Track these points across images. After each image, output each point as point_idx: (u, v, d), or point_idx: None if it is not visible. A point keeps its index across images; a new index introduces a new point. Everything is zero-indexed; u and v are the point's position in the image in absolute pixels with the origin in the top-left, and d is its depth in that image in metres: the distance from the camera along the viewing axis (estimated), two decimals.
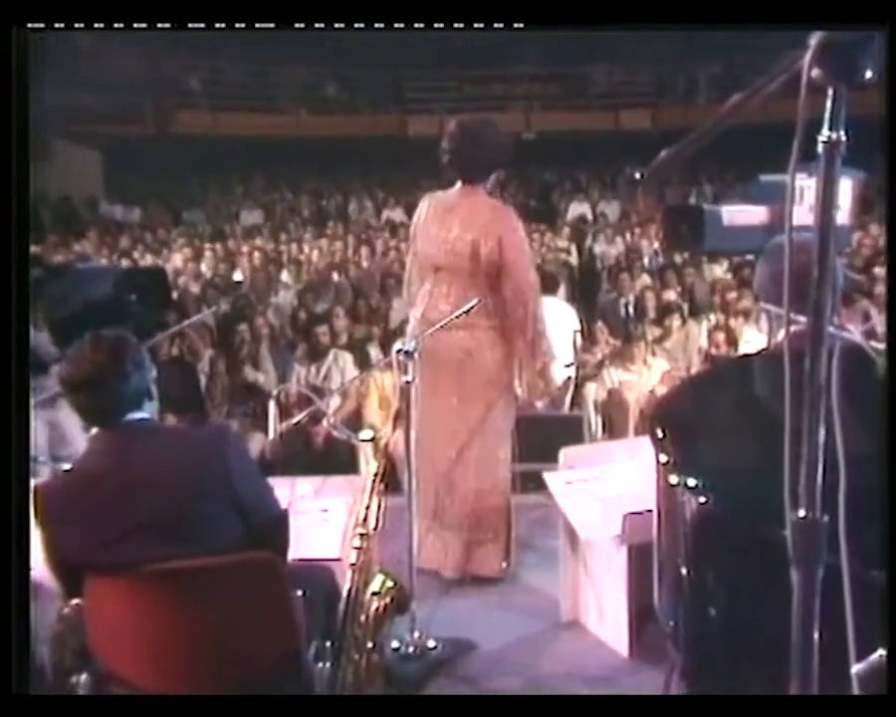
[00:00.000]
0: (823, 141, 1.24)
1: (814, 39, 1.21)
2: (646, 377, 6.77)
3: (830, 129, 1.23)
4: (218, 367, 7.16)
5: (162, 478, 2.37)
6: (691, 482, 2.11)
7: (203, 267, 11.88)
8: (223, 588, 2.35)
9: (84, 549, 2.33)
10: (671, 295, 8.31)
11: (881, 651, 1.55)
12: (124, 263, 11.59)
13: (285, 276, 11.13)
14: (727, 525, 2.06)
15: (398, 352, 3.44)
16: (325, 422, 4.28)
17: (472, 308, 3.73)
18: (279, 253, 12.87)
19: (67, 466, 2.53)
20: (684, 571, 2.17)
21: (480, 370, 4.09)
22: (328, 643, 2.65)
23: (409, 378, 3.43)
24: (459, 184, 4.19)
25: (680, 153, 1.30)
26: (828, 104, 1.23)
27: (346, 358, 6.96)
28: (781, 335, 2.58)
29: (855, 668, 1.55)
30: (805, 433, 1.27)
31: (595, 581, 3.62)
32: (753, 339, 6.64)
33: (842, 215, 5.49)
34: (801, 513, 1.28)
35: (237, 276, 11.21)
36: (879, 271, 7.50)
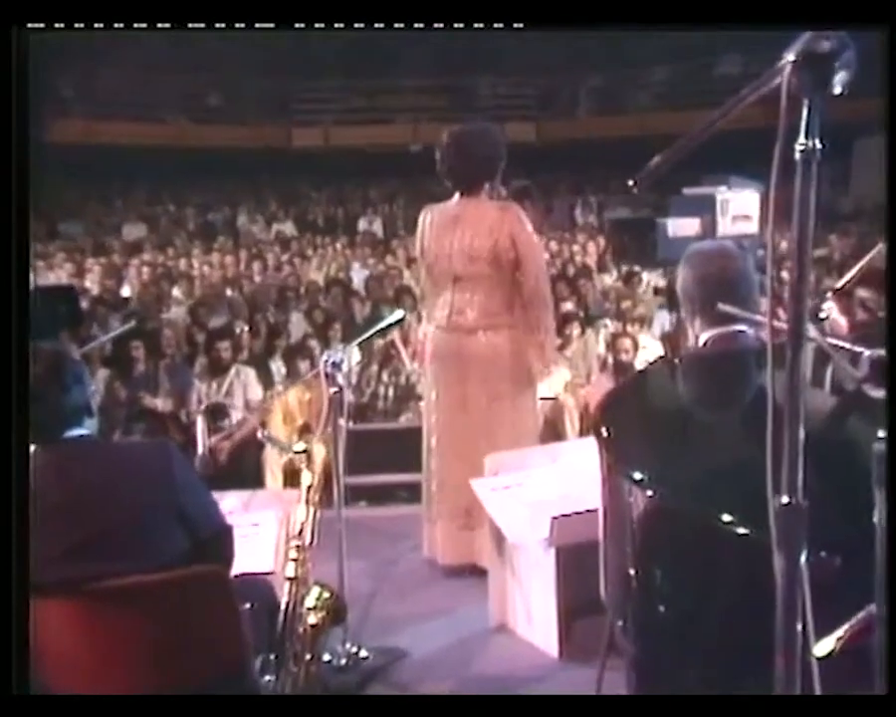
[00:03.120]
0: (800, 150, 1.32)
1: (792, 53, 1.29)
2: (548, 385, 6.88)
3: (807, 138, 1.31)
4: (113, 385, 6.95)
5: (106, 495, 2.30)
6: (637, 476, 2.17)
7: (88, 283, 11.46)
8: (171, 603, 2.30)
9: None
10: (568, 305, 8.47)
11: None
12: None
13: (176, 291, 10.85)
14: (674, 518, 2.13)
15: (326, 362, 3.42)
16: (258, 435, 4.24)
17: (399, 321, 3.79)
18: (167, 268, 12.53)
19: None
20: (631, 570, 2.23)
21: (504, 369, 4.18)
22: (272, 656, 2.63)
23: (336, 389, 3.43)
24: (457, 195, 4.27)
25: (667, 161, 1.37)
26: (804, 113, 1.31)
27: (249, 373, 6.85)
28: (704, 336, 2.71)
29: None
30: (787, 423, 1.34)
31: (523, 584, 3.68)
32: (649, 345, 6.87)
33: (752, 225, 5.82)
34: (784, 499, 1.35)
35: (125, 292, 10.87)
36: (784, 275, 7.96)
